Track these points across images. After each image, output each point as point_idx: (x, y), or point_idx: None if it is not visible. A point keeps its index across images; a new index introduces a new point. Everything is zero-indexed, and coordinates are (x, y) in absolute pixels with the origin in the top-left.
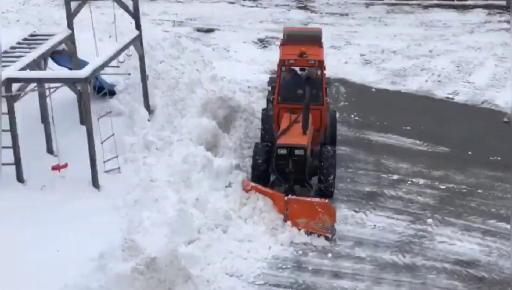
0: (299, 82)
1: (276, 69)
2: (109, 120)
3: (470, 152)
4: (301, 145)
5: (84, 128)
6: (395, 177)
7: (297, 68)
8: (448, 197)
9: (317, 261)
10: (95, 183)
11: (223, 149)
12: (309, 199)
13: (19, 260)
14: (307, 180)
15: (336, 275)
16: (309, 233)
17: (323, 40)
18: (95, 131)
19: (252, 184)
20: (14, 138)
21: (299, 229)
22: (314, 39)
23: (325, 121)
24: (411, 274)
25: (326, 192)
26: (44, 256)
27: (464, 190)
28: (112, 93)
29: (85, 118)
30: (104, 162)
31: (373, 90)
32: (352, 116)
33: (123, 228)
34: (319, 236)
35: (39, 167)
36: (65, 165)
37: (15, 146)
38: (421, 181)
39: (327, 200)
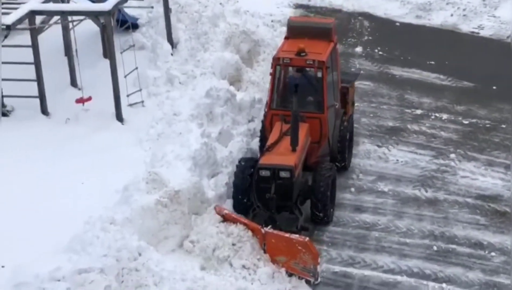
0: (303, 83)
1: None
2: (132, 54)
3: (494, 87)
4: (287, 166)
5: (107, 61)
6: (418, 112)
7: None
8: (471, 132)
9: (341, 195)
10: (119, 116)
11: (246, 83)
12: (288, 235)
13: (45, 193)
14: (297, 206)
15: (358, 209)
16: (289, 273)
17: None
18: (118, 64)
19: (226, 211)
20: (38, 71)
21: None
22: (323, 32)
23: (326, 132)
24: (433, 208)
25: (320, 220)
26: (69, 188)
27: (487, 125)
28: (135, 26)
29: (108, 52)
30: (128, 95)
31: (397, 24)
32: (376, 50)
33: (147, 161)
34: (300, 278)
35: (63, 100)
36: (89, 98)
37: (39, 79)
38: (445, 116)
39: (307, 239)
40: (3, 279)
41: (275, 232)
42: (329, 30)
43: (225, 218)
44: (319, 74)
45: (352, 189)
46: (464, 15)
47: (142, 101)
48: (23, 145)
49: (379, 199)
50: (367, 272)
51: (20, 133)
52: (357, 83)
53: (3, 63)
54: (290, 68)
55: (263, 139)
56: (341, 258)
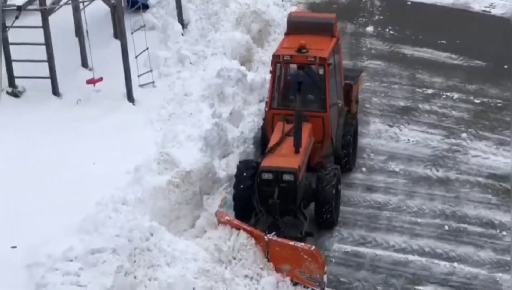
0: (305, 81)
1: None
2: (143, 34)
3: (506, 66)
4: (291, 169)
5: (118, 42)
6: (430, 91)
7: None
8: (482, 111)
9: (352, 175)
10: (130, 97)
11: (257, 63)
12: (292, 243)
13: (57, 174)
14: (301, 210)
15: (369, 188)
16: (294, 282)
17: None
18: (129, 45)
19: (227, 217)
20: (49, 51)
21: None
22: (325, 27)
23: (329, 131)
24: (444, 187)
25: (325, 224)
26: (81, 169)
27: (499, 104)
28: (145, 6)
29: (119, 32)
30: (139, 76)
31: (409, 3)
32: (387, 30)
33: (158, 141)
34: (306, 287)
35: (74, 80)
36: (100, 79)
37: (50, 60)
38: (456, 95)
39: (313, 247)
40: (16, 260)
41: (279, 239)
42: (331, 25)
43: (227, 225)
44: (321, 71)
45: (363, 169)
46: None
47: (153, 82)
48: (34, 126)
49: (390, 178)
50: (378, 252)
51: (31, 114)
52: (368, 63)
53: (13, 44)
54: (291, 66)
55: (264, 139)
56: (352, 238)
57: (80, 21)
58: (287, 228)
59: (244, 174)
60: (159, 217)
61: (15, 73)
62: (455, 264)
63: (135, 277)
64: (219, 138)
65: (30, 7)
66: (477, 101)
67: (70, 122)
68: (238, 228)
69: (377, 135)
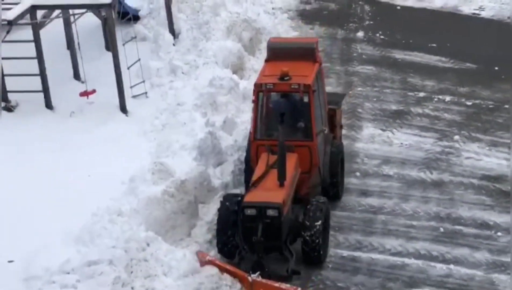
0: (289, 110)
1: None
2: (135, 45)
3: (496, 68)
4: (275, 204)
5: (110, 54)
6: (421, 94)
7: None
8: (474, 113)
9: (346, 180)
10: (123, 108)
11: (249, 71)
12: (277, 284)
13: (52, 186)
14: (287, 246)
15: (364, 193)
16: None
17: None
18: (121, 56)
19: (209, 257)
20: (41, 65)
21: None
22: (306, 53)
23: (316, 161)
24: (439, 190)
25: (313, 261)
26: (75, 181)
27: (490, 106)
28: (136, 18)
29: (110, 44)
30: (131, 87)
31: (398, 8)
32: (377, 34)
33: (152, 152)
34: None
35: (67, 93)
36: (93, 91)
37: (42, 74)
38: (448, 98)
39: (299, 289)
40: (13, 273)
41: (264, 280)
42: (313, 50)
43: (209, 264)
44: (306, 99)
45: (358, 174)
46: None
47: (146, 92)
48: (29, 139)
49: (384, 182)
50: (374, 256)
51: (26, 127)
52: (360, 68)
53: (5, 58)
54: (273, 94)
55: (248, 172)
56: (349, 243)
57: (71, 34)
58: (273, 265)
59: (228, 209)
60: (155, 227)
61: (8, 88)
62: (451, 266)
63: (132, 288)
64: (213, 146)
65: (21, 21)
66: (468, 103)
67: (64, 135)
68: (221, 268)
69: (370, 139)
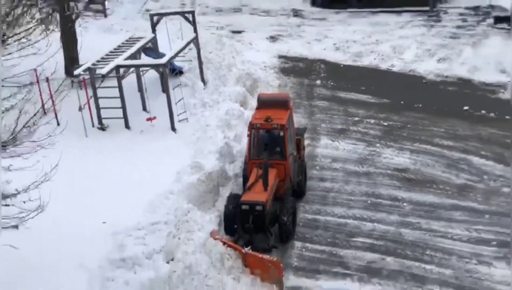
0: (269, 139)
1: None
2: (180, 89)
3: (402, 102)
4: (261, 202)
5: (164, 94)
6: (356, 119)
7: None
8: (389, 130)
9: (310, 171)
10: (173, 128)
11: (250, 105)
12: (261, 255)
13: (129, 174)
14: (269, 229)
15: (321, 179)
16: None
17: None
18: (172, 96)
19: (218, 236)
20: (122, 102)
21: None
22: (282, 104)
23: (288, 173)
24: (367, 177)
25: (285, 239)
26: (144, 172)
27: (399, 125)
28: (181, 72)
29: (165, 88)
30: (178, 115)
31: (342, 66)
32: (329, 82)
33: (191, 155)
34: (271, 285)
35: (138, 119)
36: (154, 118)
37: (123, 107)
38: (372, 121)
39: (275, 259)
40: (105, 230)
41: (253, 253)
42: (286, 102)
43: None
44: (281, 134)
45: (317, 167)
46: (382, 58)
47: (187, 118)
48: (114, 147)
49: (334, 173)
50: (328, 218)
51: (113, 140)
52: (318, 102)
53: (100, 97)
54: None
55: (245, 179)
56: (312, 210)
57: (141, 83)
58: (259, 242)
59: (231, 205)
60: (193, 201)
61: (102, 116)
62: (375, 224)
63: (179, 239)
64: (228, 151)
65: (110, 75)
66: (385, 124)
67: (136, 144)
68: (225, 244)
69: (325, 146)
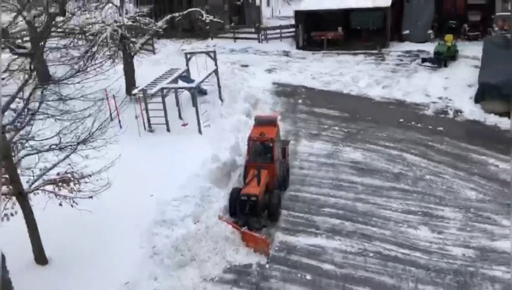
0: (263, 148)
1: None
2: (205, 105)
3: (358, 115)
4: (255, 194)
5: (193, 108)
6: (326, 126)
7: None
8: (349, 134)
9: (291, 163)
10: (200, 131)
11: (253, 116)
12: (253, 234)
13: (168, 161)
14: (260, 214)
15: (301, 168)
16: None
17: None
18: (199, 109)
19: (224, 218)
20: (165, 112)
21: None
22: (272, 122)
23: (276, 173)
24: (332, 167)
25: (272, 219)
26: (177, 161)
27: (355, 131)
28: (205, 93)
29: (194, 104)
30: (203, 122)
31: (316, 90)
32: (307, 101)
33: (212, 149)
34: (260, 254)
35: (176, 125)
36: (187, 124)
37: (166, 115)
38: (337, 128)
39: (264, 236)
40: (152, 201)
41: (248, 231)
42: (275, 121)
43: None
44: (271, 144)
45: (298, 160)
46: (344, 85)
47: (209, 125)
48: (158, 142)
49: (310, 164)
50: (305, 194)
51: (158, 138)
52: (299, 115)
53: (151, 110)
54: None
55: (245, 177)
56: (294, 189)
57: (178, 99)
58: (253, 224)
59: (234, 195)
60: (213, 181)
61: (152, 121)
62: (338, 199)
63: (203, 207)
64: (238, 148)
65: (156, 94)
66: (346, 130)
67: (174, 142)
68: (229, 224)
69: (303, 145)
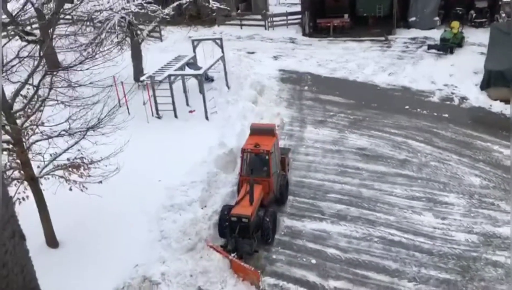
0: (258, 161)
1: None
2: (211, 92)
3: (363, 102)
4: (246, 216)
5: (201, 95)
6: (331, 113)
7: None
8: (354, 121)
9: (297, 149)
10: (207, 118)
11: (259, 103)
12: (242, 264)
13: (176, 146)
14: (253, 235)
15: (306, 154)
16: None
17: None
18: (206, 96)
19: (210, 244)
20: (172, 99)
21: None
22: (269, 132)
23: (272, 188)
24: (338, 153)
25: (266, 242)
26: (185, 145)
27: (361, 118)
28: (212, 80)
29: (201, 90)
30: (210, 109)
31: (322, 77)
32: (313, 88)
33: (219, 136)
34: (251, 285)
35: (183, 111)
36: (194, 110)
37: (173, 102)
38: (343, 115)
39: (253, 268)
40: (160, 186)
41: (237, 260)
42: (273, 130)
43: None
44: (267, 157)
45: (304, 146)
46: (350, 72)
47: (216, 111)
48: (166, 128)
49: (315, 150)
50: (310, 180)
51: (165, 124)
52: (305, 102)
53: (159, 96)
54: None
55: (239, 189)
56: (300, 175)
57: (185, 86)
58: (243, 247)
59: (224, 214)
60: (219, 167)
61: (159, 108)
62: (343, 185)
63: (210, 192)
64: (243, 134)
65: (164, 81)
66: (351, 117)
67: (182, 127)
68: (217, 251)
69: (309, 132)
